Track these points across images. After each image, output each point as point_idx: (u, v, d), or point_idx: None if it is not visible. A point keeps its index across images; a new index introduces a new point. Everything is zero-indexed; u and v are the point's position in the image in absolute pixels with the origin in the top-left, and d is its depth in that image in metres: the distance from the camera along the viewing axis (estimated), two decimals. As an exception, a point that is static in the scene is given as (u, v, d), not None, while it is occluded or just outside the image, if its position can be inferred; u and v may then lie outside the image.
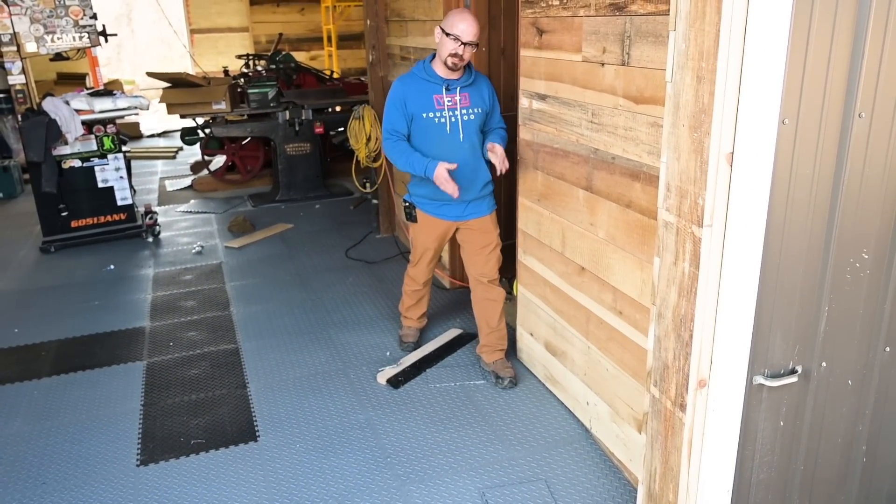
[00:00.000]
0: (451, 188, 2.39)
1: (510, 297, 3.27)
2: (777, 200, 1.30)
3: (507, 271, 3.21)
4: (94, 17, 4.37)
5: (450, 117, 2.51)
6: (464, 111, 2.54)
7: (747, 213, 1.30)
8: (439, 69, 2.50)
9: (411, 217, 2.73)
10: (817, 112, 1.28)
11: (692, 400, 1.42)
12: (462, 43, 2.40)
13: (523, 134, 2.63)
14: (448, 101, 2.50)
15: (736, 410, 1.43)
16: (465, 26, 2.40)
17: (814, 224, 1.35)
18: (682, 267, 1.38)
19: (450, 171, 2.47)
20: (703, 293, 1.35)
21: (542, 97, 2.43)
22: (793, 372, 1.44)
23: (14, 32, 4.15)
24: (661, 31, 1.74)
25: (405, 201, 2.75)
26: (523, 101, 2.58)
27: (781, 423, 1.48)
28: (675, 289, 1.42)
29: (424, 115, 2.51)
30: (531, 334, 2.80)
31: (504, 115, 2.88)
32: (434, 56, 2.54)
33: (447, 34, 2.42)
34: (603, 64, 2.02)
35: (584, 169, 2.21)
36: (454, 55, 2.43)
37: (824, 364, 1.47)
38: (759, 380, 1.42)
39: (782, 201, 1.31)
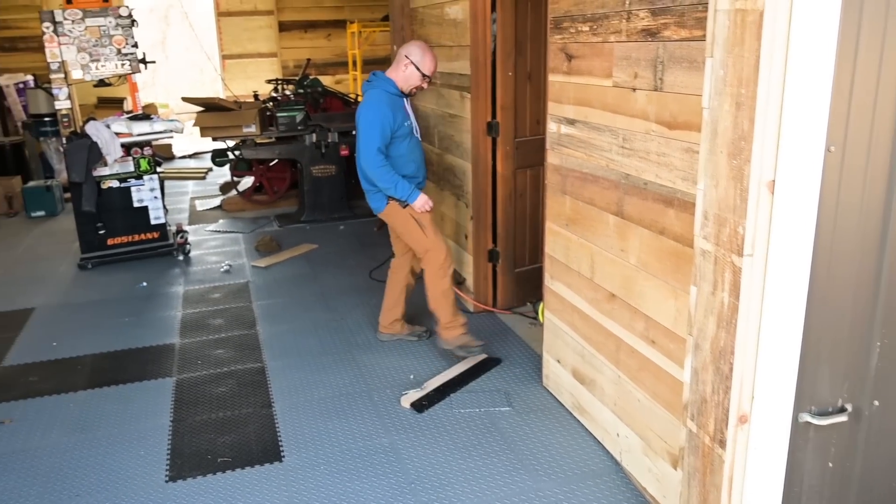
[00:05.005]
0: (430, 205, 2.91)
1: (536, 323, 3.22)
2: (824, 229, 1.26)
3: (534, 296, 3.17)
4: (136, 45, 4.54)
5: (412, 122, 2.99)
6: (412, 115, 3.02)
7: (791, 243, 1.25)
8: (399, 84, 2.90)
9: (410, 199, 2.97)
10: (865, 139, 1.24)
11: (732, 436, 1.36)
12: (430, 80, 2.93)
13: (551, 158, 2.61)
14: (409, 109, 2.98)
15: (780, 449, 1.36)
16: (434, 66, 2.89)
17: (863, 254, 1.30)
18: (721, 297, 1.34)
19: (415, 162, 2.97)
20: (744, 325, 1.30)
21: (571, 122, 2.41)
22: (842, 410, 1.37)
23: (62, 60, 4.36)
24: (696, 57, 1.72)
25: (397, 200, 2.91)
26: (551, 126, 2.57)
27: (830, 465, 1.41)
28: (713, 319, 1.37)
29: (405, 124, 2.93)
30: (558, 361, 2.74)
31: (530, 139, 3.06)
32: (388, 72, 2.91)
33: (423, 75, 2.86)
34: (634, 89, 2.00)
35: (615, 194, 2.18)
36: (419, 87, 2.93)
37: (877, 402, 1.39)
38: (806, 417, 1.35)
39: (829, 230, 1.26)
